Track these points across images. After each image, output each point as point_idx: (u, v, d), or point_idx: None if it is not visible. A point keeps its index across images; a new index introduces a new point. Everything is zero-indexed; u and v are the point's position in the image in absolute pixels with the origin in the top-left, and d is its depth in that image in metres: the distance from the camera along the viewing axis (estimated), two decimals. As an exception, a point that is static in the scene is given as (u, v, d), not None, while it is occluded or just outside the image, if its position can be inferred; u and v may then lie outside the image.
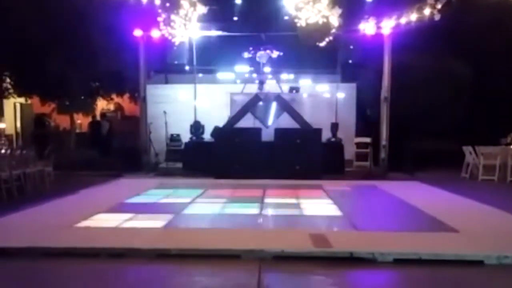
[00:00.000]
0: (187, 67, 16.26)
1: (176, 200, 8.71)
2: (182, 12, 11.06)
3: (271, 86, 14.37)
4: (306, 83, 15.96)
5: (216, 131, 12.94)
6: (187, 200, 8.63)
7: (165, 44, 12.90)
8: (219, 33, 14.27)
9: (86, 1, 12.35)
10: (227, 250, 5.31)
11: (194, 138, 13.37)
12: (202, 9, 11.32)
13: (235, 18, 14.86)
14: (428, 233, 6.17)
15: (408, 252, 5.19)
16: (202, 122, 13.81)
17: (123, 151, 14.18)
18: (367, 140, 14.18)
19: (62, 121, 18.11)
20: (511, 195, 9.94)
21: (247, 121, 13.49)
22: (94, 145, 15.68)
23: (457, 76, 14.11)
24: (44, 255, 5.26)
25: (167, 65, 16.73)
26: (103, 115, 17.93)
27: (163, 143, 14.77)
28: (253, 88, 14.15)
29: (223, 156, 12.04)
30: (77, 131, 17.60)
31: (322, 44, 11.64)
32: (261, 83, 14.02)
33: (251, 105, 13.52)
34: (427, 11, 10.99)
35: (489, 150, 12.23)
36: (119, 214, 7.33)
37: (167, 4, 11.06)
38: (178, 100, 15.36)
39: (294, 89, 14.63)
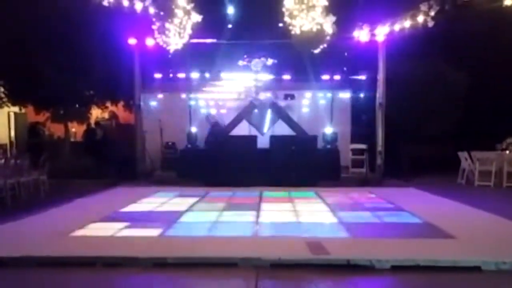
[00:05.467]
0: (181, 75, 16.23)
1: (172, 208, 8.67)
2: (176, 20, 11.05)
3: (266, 93, 14.36)
4: (301, 90, 15.96)
5: (212, 138, 12.92)
6: (183, 208, 8.60)
7: (160, 52, 12.89)
8: (214, 41, 14.27)
9: (80, 10, 12.32)
10: (224, 258, 5.28)
11: (189, 146, 13.34)
12: (196, 18, 11.32)
13: (230, 26, 14.86)
14: (425, 240, 6.16)
15: (405, 258, 5.18)
16: (198, 130, 13.78)
17: (118, 159, 14.12)
18: (363, 146, 14.19)
19: (56, 129, 18.01)
20: (507, 201, 9.94)
21: (242, 129, 13.49)
22: (89, 153, 15.59)
23: (452, 82, 14.16)
24: (39, 265, 5.23)
25: (161, 73, 16.69)
26: (97, 123, 17.88)
27: (158, 151, 14.73)
28: (248, 96, 14.15)
29: (218, 163, 12.02)
30: (72, 139, 17.52)
31: (317, 51, 11.67)
32: (257, 90, 14.02)
33: (247, 112, 13.52)
34: (420, 18, 11.05)
35: (484, 156, 12.27)
36: (115, 223, 7.29)
37: (161, 13, 11.05)
38: (173, 109, 15.33)
39: (289, 96, 14.65)
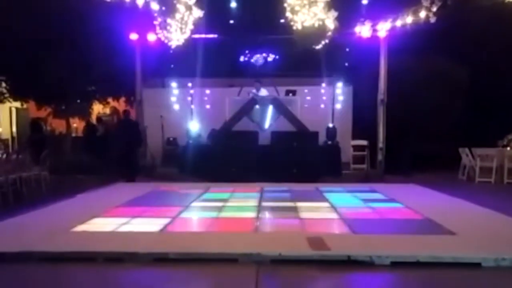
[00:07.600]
0: (183, 71, 16.21)
1: (173, 204, 8.67)
2: (178, 15, 11.05)
3: (267, 89, 14.34)
4: (302, 86, 15.95)
5: (213, 134, 12.91)
6: (184, 203, 8.60)
7: (162, 48, 12.88)
8: (215, 36, 14.25)
9: (82, 5, 12.33)
10: (224, 254, 5.28)
11: (190, 141, 13.33)
12: (198, 13, 11.32)
13: (231, 21, 14.84)
14: (425, 236, 6.15)
15: (405, 255, 5.18)
16: (200, 125, 13.77)
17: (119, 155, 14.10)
18: (364, 142, 14.18)
19: (58, 125, 18.06)
20: (508, 197, 9.94)
21: (243, 124, 13.48)
22: (90, 148, 15.59)
23: (453, 78, 14.13)
24: (40, 260, 5.23)
25: (163, 68, 16.68)
26: (99, 118, 17.89)
27: (160, 146, 14.73)
28: (249, 91, 14.13)
29: (220, 159, 12.03)
30: (73, 135, 17.54)
31: (318, 47, 11.65)
32: (258, 85, 13.99)
33: (248, 108, 13.50)
34: (422, 14, 11.02)
35: (485, 152, 12.26)
36: (116, 218, 7.30)
37: (163, 8, 11.05)
38: (175, 104, 15.33)
39: (291, 92, 14.62)
